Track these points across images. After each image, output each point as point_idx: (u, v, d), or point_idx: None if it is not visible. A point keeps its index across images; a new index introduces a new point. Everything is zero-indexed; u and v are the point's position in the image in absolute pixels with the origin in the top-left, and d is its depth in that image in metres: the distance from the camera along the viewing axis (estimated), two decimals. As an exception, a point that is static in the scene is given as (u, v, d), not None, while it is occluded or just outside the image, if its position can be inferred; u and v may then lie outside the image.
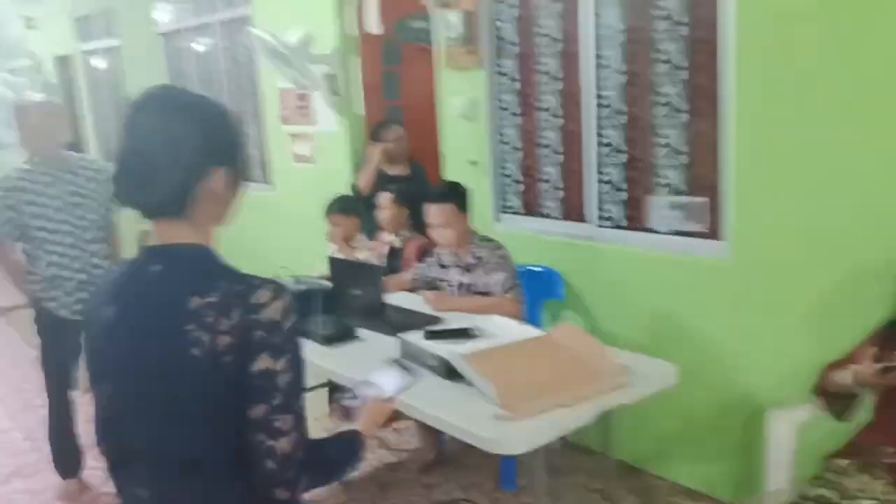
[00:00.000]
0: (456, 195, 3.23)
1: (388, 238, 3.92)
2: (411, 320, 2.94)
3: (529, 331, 2.72)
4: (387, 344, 2.75)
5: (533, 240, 3.69)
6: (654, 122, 3.16)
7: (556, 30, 3.51)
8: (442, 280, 3.36)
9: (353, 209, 4.02)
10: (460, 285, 3.29)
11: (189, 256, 1.28)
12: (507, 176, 3.89)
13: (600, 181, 3.41)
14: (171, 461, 1.25)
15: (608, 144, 3.36)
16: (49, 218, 3.17)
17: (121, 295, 1.29)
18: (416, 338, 2.63)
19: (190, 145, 1.24)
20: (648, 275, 3.22)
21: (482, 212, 3.81)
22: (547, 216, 3.73)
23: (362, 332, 2.88)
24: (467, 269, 3.25)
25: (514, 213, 3.90)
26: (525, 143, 3.77)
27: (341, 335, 2.85)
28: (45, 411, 4.34)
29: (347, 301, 3.04)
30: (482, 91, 3.82)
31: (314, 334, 2.86)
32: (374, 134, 4.43)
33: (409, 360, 2.55)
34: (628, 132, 3.28)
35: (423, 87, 5.11)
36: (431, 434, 3.60)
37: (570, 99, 3.50)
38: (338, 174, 4.86)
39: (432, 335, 2.64)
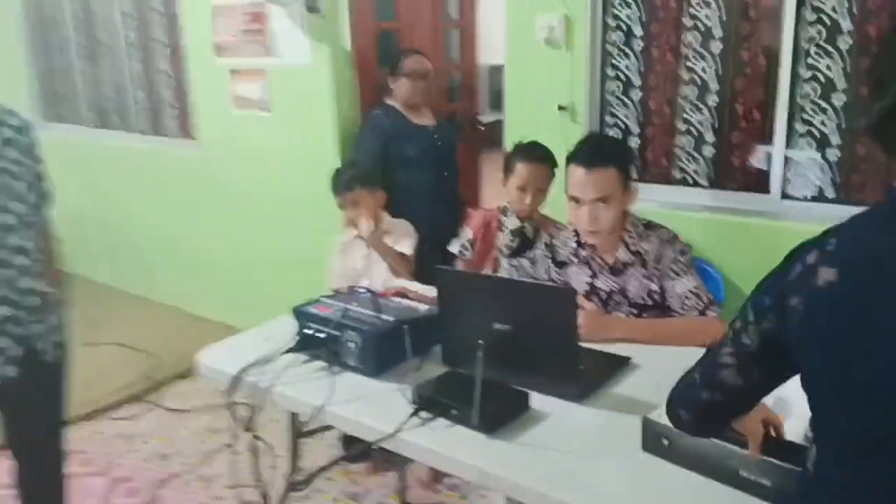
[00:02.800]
0: (622, 156, 2.04)
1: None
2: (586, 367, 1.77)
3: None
4: (588, 424, 1.60)
5: (656, 217, 2.57)
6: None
7: None
8: (557, 283, 2.20)
9: (377, 180, 2.72)
10: (589, 292, 2.13)
11: None
12: (617, 126, 2.73)
13: (797, 133, 2.35)
14: None
15: (815, 79, 2.29)
16: None
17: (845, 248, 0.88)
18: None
19: None
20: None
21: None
22: (684, 183, 2.63)
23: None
24: (613, 269, 2.09)
25: (621, 179, 2.76)
26: (652, 79, 2.62)
27: (510, 410, 1.62)
28: None
29: (492, 344, 1.78)
30: (582, 4, 2.61)
31: (458, 413, 1.60)
32: (395, 65, 3.10)
33: (674, 461, 1.41)
34: (855, 58, 2.22)
35: (426, 3, 3.82)
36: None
37: (744, 11, 2.39)
38: (309, 126, 3.47)
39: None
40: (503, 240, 2.54)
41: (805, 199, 2.37)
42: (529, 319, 1.71)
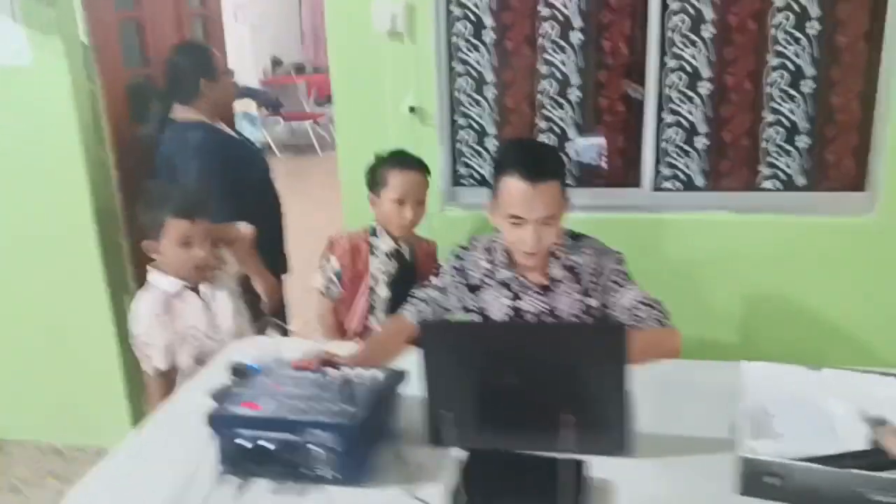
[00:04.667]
0: (562, 165, 1.81)
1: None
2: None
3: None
4: (658, 480, 1.34)
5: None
6: (770, 33, 2.21)
7: None
8: (473, 310, 1.89)
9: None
10: (514, 316, 1.88)
11: None
12: (471, 128, 2.46)
13: (666, 124, 2.33)
14: None
15: (682, 69, 2.28)
16: None
17: None
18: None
19: None
20: (748, 249, 2.32)
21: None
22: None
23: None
24: (542, 288, 1.86)
25: (478, 184, 2.51)
26: (507, 74, 2.40)
27: (581, 493, 1.29)
28: None
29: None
30: (426, -12, 2.29)
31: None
32: (205, 64, 2.45)
33: None
34: (720, 47, 2.26)
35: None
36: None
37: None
38: (36, 148, 2.57)
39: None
40: (377, 265, 2.13)
41: (677, 189, 2.38)
42: (560, 369, 1.39)
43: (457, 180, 2.51)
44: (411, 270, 2.15)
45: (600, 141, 2.45)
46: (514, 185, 1.67)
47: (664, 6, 2.22)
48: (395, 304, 2.09)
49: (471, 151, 2.48)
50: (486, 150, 2.48)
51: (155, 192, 2.00)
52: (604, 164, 2.45)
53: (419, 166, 2.10)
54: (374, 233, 2.13)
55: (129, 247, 2.74)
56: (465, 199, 2.49)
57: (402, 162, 2.09)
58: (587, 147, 2.45)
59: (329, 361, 1.59)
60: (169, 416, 1.62)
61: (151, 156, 2.66)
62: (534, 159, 1.72)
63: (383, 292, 2.12)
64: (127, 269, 2.74)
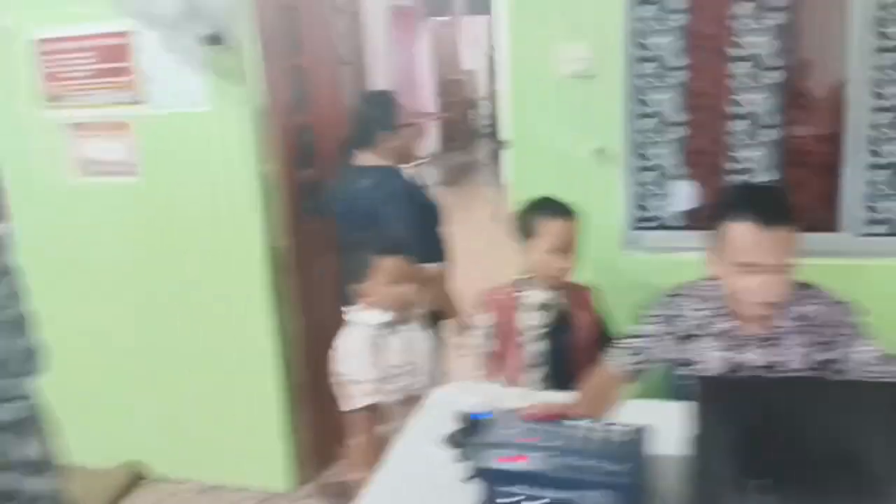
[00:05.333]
0: (792, 208, 1.71)
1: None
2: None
3: None
4: None
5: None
6: None
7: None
8: (678, 361, 1.78)
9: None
10: (732, 370, 1.76)
11: None
12: (652, 169, 2.39)
13: (870, 165, 2.21)
14: None
15: (890, 109, 2.17)
16: None
17: None
18: None
19: None
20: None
21: (607, 228, 2.31)
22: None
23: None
24: (767, 340, 1.74)
25: (658, 226, 2.43)
26: (693, 114, 2.33)
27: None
28: None
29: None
30: (614, 32, 2.25)
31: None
32: (386, 115, 2.48)
33: None
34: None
35: (322, 37, 3.16)
36: None
37: (799, 37, 2.21)
38: (208, 193, 2.63)
39: None
40: (529, 320, 2.05)
41: (883, 234, 2.24)
42: (865, 431, 1.28)
43: (635, 223, 2.43)
44: (566, 320, 2.06)
45: (690, 185, 2.37)
46: (745, 231, 1.58)
47: (872, 43, 2.12)
48: (550, 358, 2.02)
49: (652, 194, 2.41)
50: (669, 192, 2.40)
51: (361, 236, 2.03)
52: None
53: (570, 213, 2.00)
54: (523, 285, 2.05)
55: (296, 287, 2.76)
56: (647, 242, 2.40)
57: (553, 209, 1.99)
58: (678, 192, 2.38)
59: (562, 413, 1.52)
60: (400, 463, 1.58)
61: (315, 199, 2.72)
62: (767, 203, 1.63)
63: (536, 347, 2.04)
64: (293, 309, 2.75)
